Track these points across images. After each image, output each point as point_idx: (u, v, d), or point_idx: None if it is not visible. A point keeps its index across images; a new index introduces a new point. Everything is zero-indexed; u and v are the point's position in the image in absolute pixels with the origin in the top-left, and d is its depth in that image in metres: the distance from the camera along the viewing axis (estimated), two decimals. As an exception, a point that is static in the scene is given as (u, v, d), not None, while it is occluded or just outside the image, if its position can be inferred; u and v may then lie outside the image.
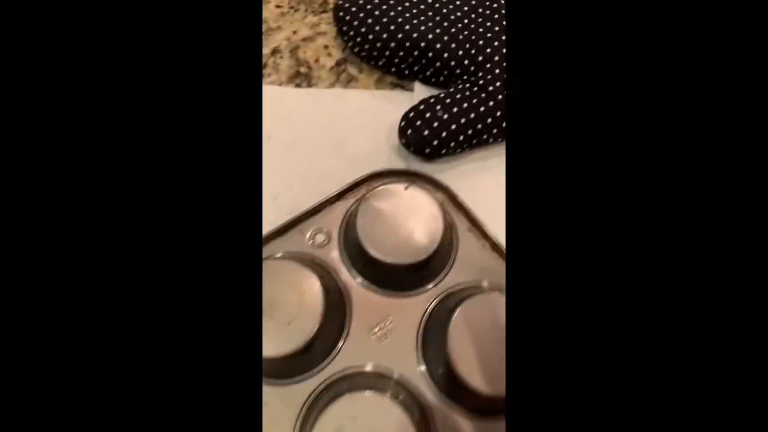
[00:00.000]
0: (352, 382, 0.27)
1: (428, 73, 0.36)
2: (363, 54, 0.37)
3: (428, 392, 0.27)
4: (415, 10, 0.36)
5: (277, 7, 0.41)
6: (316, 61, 0.38)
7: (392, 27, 0.35)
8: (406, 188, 0.29)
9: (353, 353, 0.28)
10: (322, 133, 0.35)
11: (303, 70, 0.38)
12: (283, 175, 0.33)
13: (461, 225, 0.31)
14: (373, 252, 0.28)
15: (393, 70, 0.36)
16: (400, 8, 0.36)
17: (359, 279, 0.30)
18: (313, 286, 0.26)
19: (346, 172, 0.33)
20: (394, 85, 0.37)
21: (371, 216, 0.29)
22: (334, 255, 0.30)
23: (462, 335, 0.26)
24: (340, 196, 0.32)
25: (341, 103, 0.36)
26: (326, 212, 0.32)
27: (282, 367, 0.26)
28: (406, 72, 0.36)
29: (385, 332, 0.28)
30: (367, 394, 0.25)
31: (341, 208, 0.32)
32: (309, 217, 0.31)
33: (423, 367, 0.27)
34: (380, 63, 0.36)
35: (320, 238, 0.31)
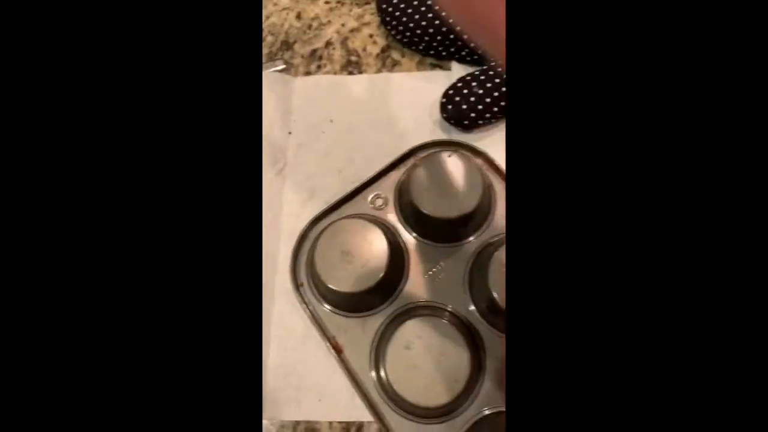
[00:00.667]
0: (413, 312, 0.33)
1: (463, 53, 0.40)
2: (405, 40, 0.42)
3: (474, 318, 0.33)
4: (449, -2, 0.40)
5: (326, 3, 0.47)
6: (364, 49, 0.44)
7: (430, 14, 0.40)
8: (449, 156, 0.35)
9: (413, 292, 0.34)
10: (374, 113, 0.41)
11: (353, 58, 0.44)
12: (346, 151, 0.39)
13: (498, 185, 0.37)
14: (426, 209, 0.34)
15: (432, 52, 0.41)
16: (436, -3, 0.40)
17: (413, 234, 0.36)
18: (380, 238, 0.33)
19: (396, 145, 0.39)
20: (434, 66, 0.42)
21: (422, 180, 0.35)
22: (391, 215, 0.37)
23: (500, 274, 0.32)
24: (393, 166, 0.38)
25: (389, 86, 0.42)
26: (382, 180, 0.38)
27: (358, 302, 0.34)
28: (443, 54, 0.41)
29: (437, 274, 0.35)
30: (429, 318, 0.32)
31: (395, 176, 0.38)
32: (369, 185, 0.38)
33: (469, 298, 0.34)
34: (420, 47, 0.41)
35: (379, 201, 0.37)
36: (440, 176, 0.35)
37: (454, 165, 0.35)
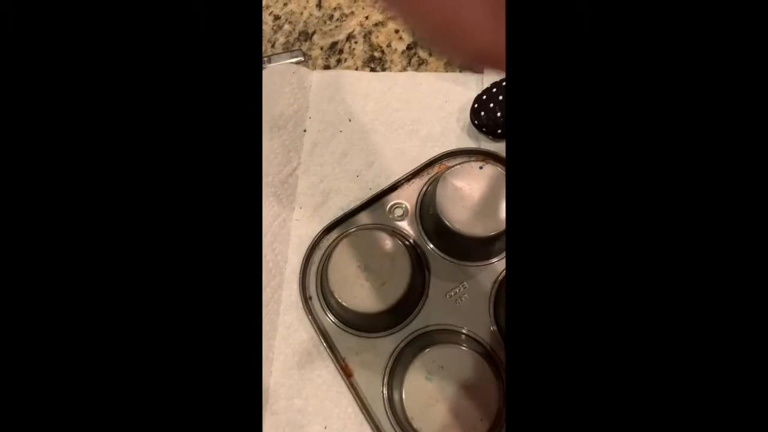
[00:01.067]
0: (432, 337, 0.31)
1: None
2: (434, 38, 0.39)
3: (499, 349, 0.30)
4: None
5: (350, -8, 0.44)
6: (389, 45, 0.41)
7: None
8: (481, 168, 0.32)
9: (432, 313, 0.31)
10: (397, 114, 0.38)
11: (377, 54, 0.41)
12: (365, 154, 0.36)
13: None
14: (451, 225, 0.31)
15: (463, 53, 0.39)
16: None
17: (435, 249, 0.33)
18: (402, 254, 0.30)
19: (420, 151, 0.36)
20: (463, 67, 0.40)
21: (450, 192, 0.32)
22: (411, 226, 0.34)
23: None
24: (416, 173, 0.35)
25: (414, 86, 0.39)
26: (404, 188, 0.35)
27: (372, 323, 0.31)
28: (475, 55, 0.38)
29: (459, 296, 0.32)
30: (451, 346, 0.29)
31: (417, 185, 0.35)
32: (389, 193, 0.35)
33: (495, 326, 0.31)
34: (450, 46, 0.39)
35: (398, 211, 0.34)
36: (470, 189, 0.32)
37: (485, 177, 0.32)
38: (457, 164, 0.33)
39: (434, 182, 0.33)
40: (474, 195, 0.32)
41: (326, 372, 0.31)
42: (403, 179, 0.35)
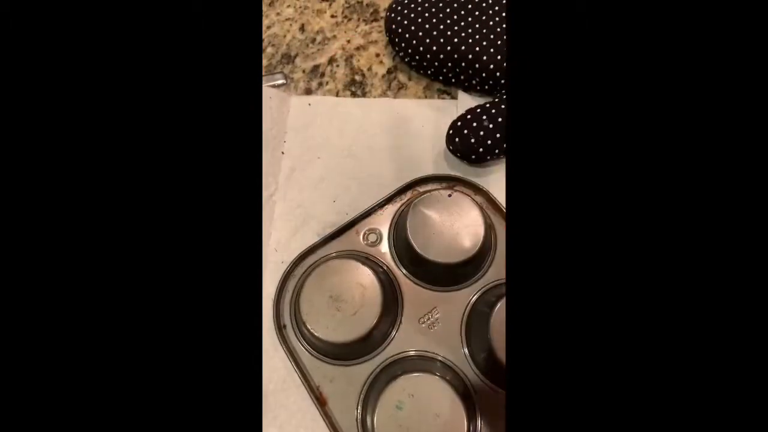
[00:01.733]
0: (405, 364, 0.31)
1: (474, 81, 0.38)
2: (413, 64, 0.39)
3: (470, 373, 0.31)
4: (463, 23, 0.38)
5: (332, 17, 0.44)
6: (369, 69, 0.42)
7: (442, 39, 0.37)
8: (449, 195, 0.33)
9: (405, 339, 0.32)
10: (374, 140, 0.38)
11: (357, 77, 0.41)
12: (342, 178, 0.37)
13: (500, 225, 0.35)
14: (422, 253, 0.31)
15: (441, 78, 0.39)
16: (449, 21, 0.38)
17: (408, 275, 0.33)
18: (373, 282, 0.30)
19: (396, 176, 0.37)
20: (441, 92, 0.40)
21: (419, 220, 0.32)
22: (385, 252, 0.34)
23: (503, 325, 0.29)
24: (390, 199, 0.36)
25: (391, 112, 0.39)
26: (378, 214, 0.35)
27: (346, 351, 0.31)
28: (453, 81, 0.39)
29: (432, 322, 0.32)
30: (421, 374, 0.29)
31: (390, 210, 0.35)
32: (363, 219, 0.35)
33: (466, 350, 0.31)
34: (429, 72, 0.39)
35: (372, 237, 0.35)
36: (439, 216, 0.32)
37: (454, 204, 0.33)
38: (427, 191, 0.34)
39: (406, 209, 0.34)
40: (443, 222, 0.32)
41: (300, 399, 0.31)
42: (376, 205, 0.35)
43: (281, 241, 0.35)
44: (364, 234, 0.35)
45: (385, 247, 0.34)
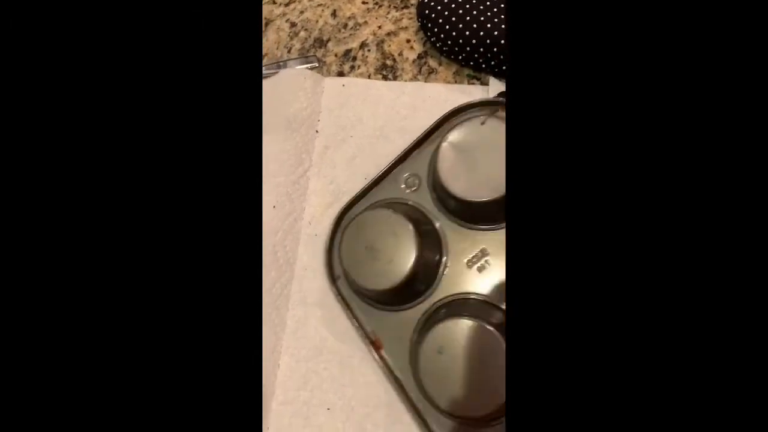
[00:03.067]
0: (452, 308, 0.31)
1: (504, 67, 0.39)
2: (444, 49, 0.40)
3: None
4: (496, 9, 0.39)
5: (363, 3, 0.45)
6: (400, 54, 0.43)
7: (474, 25, 0.38)
8: (482, 123, 0.31)
9: (453, 282, 0.31)
10: (405, 122, 0.39)
11: (389, 62, 0.42)
12: (373, 157, 0.38)
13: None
14: (458, 193, 0.30)
15: (471, 64, 0.40)
16: (481, 7, 0.39)
17: (450, 216, 0.33)
18: (406, 230, 0.30)
19: (426, 157, 0.38)
20: (471, 77, 0.41)
21: (451, 156, 0.31)
22: (425, 195, 0.33)
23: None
24: (426, 137, 0.35)
25: (422, 96, 0.40)
26: (415, 156, 0.35)
27: (391, 298, 0.31)
28: (483, 66, 0.40)
29: (481, 264, 0.32)
30: (463, 320, 0.29)
31: (428, 151, 0.34)
32: (400, 163, 0.35)
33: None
34: (459, 57, 0.40)
35: (412, 181, 0.34)
36: (473, 149, 0.31)
37: (489, 132, 0.31)
38: (459, 122, 0.32)
39: (438, 146, 0.32)
40: (477, 155, 0.31)
41: (332, 365, 0.32)
42: (413, 146, 0.34)
43: (315, 215, 0.36)
44: (405, 179, 0.34)
45: (424, 190, 0.34)
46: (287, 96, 0.39)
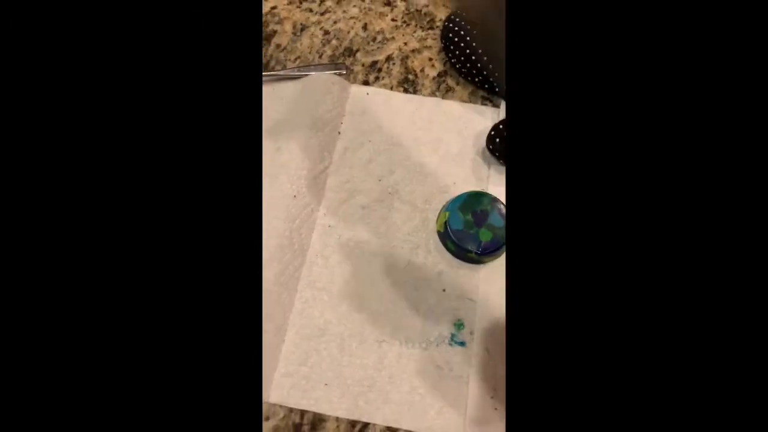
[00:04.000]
0: None
1: (515, 93, 0.42)
2: (463, 70, 0.44)
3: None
4: (512, 40, 0.43)
5: (393, 20, 0.49)
6: (422, 70, 0.46)
7: (491, 52, 0.42)
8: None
9: None
10: (420, 132, 0.43)
11: (410, 77, 0.46)
12: (388, 162, 0.41)
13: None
14: None
15: (486, 87, 0.44)
16: (499, 38, 0.43)
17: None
18: None
19: (437, 167, 0.41)
20: (485, 99, 0.45)
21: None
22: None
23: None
24: None
25: (438, 111, 0.44)
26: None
27: None
28: (497, 90, 0.43)
29: None
30: None
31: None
32: None
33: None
34: (476, 80, 0.44)
35: None
36: None
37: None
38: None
39: None
40: None
41: (332, 346, 0.35)
42: None
43: (330, 208, 0.39)
44: (405, 212, 0.39)
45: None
46: (315, 97, 0.43)
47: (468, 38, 0.43)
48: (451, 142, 0.42)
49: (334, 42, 0.48)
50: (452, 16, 0.46)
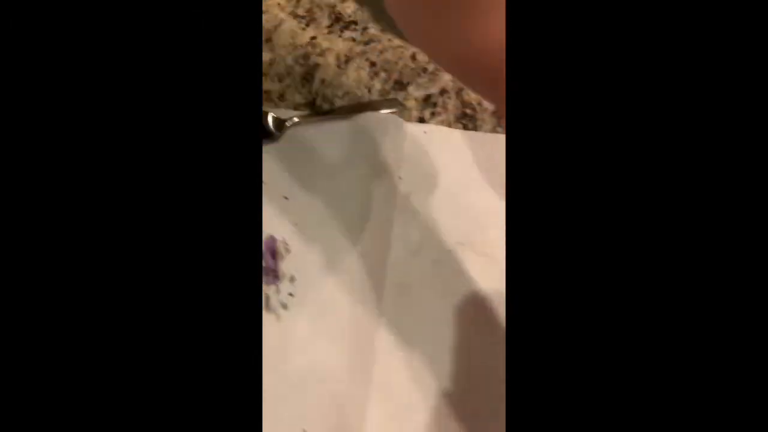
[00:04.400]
0: None
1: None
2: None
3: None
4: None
5: (443, 48, 0.47)
6: (479, 104, 0.44)
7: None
8: None
9: None
10: (486, 173, 0.40)
11: (468, 111, 0.43)
12: (454, 209, 0.39)
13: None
14: None
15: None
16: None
17: None
18: None
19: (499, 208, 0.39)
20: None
21: None
22: None
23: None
24: None
25: (502, 148, 0.41)
26: None
27: None
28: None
29: None
30: None
31: None
32: None
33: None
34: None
35: None
36: None
37: None
38: None
39: None
40: None
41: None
42: None
43: (398, 258, 0.37)
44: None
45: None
46: (372, 139, 0.40)
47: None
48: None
49: (382, 74, 0.45)
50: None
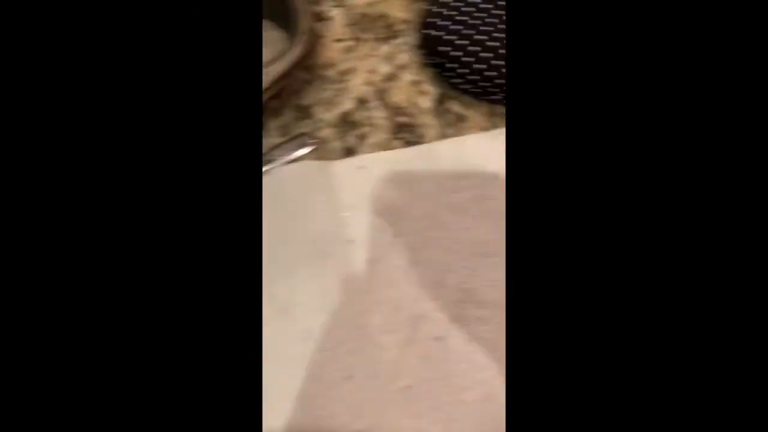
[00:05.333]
0: None
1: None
2: (468, 87, 0.32)
3: None
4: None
5: (337, 41, 0.34)
6: (414, 104, 0.33)
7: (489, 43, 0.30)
8: None
9: None
10: (457, 196, 0.30)
11: (402, 119, 0.32)
12: (434, 254, 0.29)
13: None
14: None
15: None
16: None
17: None
18: None
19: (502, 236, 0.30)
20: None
21: None
22: None
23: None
24: None
25: (460, 155, 0.31)
26: None
27: None
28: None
29: None
30: None
31: None
32: None
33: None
34: (489, 91, 0.32)
35: None
36: None
37: None
38: None
39: None
40: None
41: None
42: None
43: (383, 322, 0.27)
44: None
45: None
46: (298, 207, 0.28)
47: (456, 33, 0.30)
48: (498, 195, 0.31)
49: (274, 103, 0.32)
50: (427, 16, 0.32)
